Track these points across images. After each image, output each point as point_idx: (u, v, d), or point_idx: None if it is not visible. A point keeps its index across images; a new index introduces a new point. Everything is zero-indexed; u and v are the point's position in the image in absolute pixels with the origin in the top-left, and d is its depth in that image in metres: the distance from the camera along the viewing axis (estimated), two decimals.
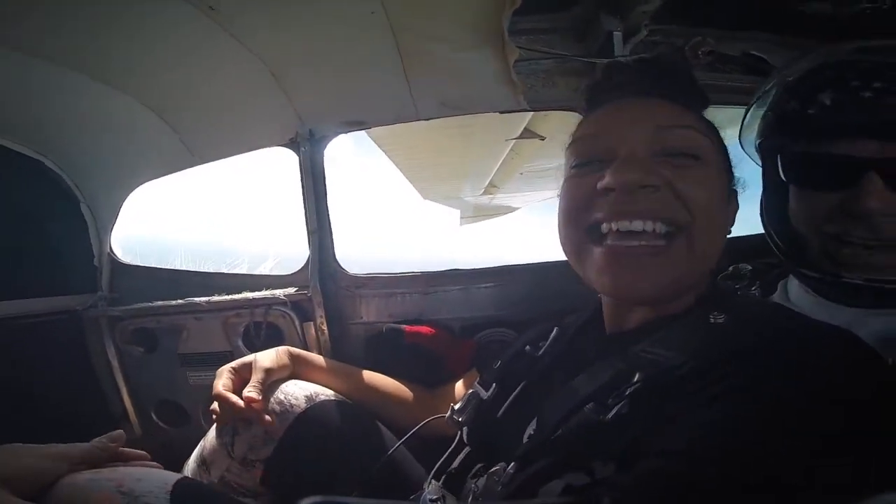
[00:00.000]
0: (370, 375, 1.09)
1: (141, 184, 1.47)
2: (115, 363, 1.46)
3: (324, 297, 1.31)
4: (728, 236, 0.68)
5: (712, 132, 0.67)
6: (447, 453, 0.80)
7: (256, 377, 0.93)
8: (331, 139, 1.34)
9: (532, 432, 0.62)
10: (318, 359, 1.09)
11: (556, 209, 0.70)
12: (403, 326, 1.28)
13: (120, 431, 0.80)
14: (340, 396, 1.01)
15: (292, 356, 1.03)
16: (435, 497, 0.71)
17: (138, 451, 0.82)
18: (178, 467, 0.98)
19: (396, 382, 1.10)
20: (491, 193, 5.15)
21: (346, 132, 1.35)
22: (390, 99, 1.22)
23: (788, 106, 0.74)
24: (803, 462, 0.40)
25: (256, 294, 1.36)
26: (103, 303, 1.47)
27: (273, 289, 1.37)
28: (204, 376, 1.40)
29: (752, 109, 0.84)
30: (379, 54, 1.06)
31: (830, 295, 0.74)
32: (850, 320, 0.65)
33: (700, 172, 0.62)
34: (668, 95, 0.66)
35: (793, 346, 0.49)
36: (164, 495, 0.70)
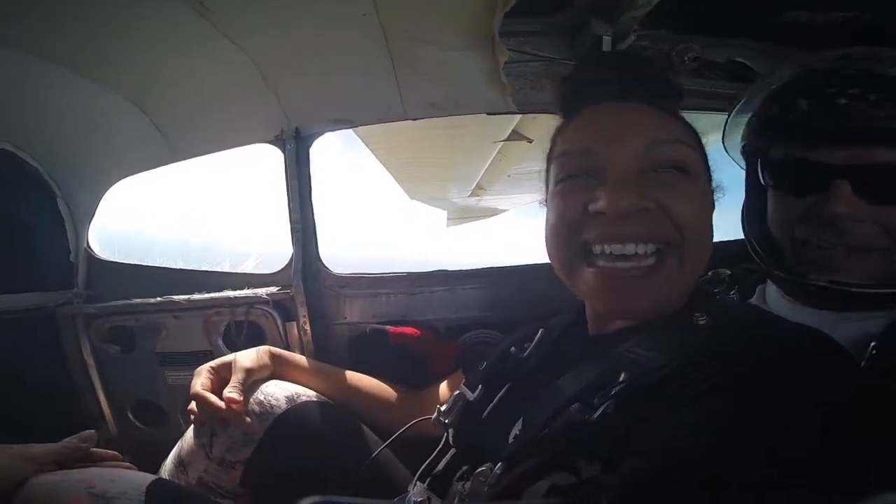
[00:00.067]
0: (353, 376, 1.08)
1: (120, 179, 1.44)
2: (90, 361, 1.42)
3: (307, 297, 1.30)
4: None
5: (698, 143, 0.67)
6: (433, 455, 0.80)
7: (237, 377, 0.92)
8: (317, 137, 1.32)
9: (518, 433, 0.62)
10: (300, 359, 1.08)
11: (543, 215, 0.69)
12: (388, 327, 1.27)
13: (91, 431, 0.78)
14: (322, 397, 1.00)
15: (273, 356, 1.02)
16: (420, 499, 0.70)
17: (110, 452, 0.80)
18: (154, 468, 0.97)
19: (380, 383, 1.09)
20: (478, 195, 5.17)
21: (332, 130, 1.33)
22: (379, 98, 1.21)
23: (769, 111, 0.76)
24: (781, 461, 0.41)
25: (238, 293, 1.33)
26: (79, 300, 1.43)
27: (255, 287, 1.35)
28: (183, 376, 1.37)
29: (733, 115, 0.85)
30: (369, 54, 1.06)
31: (801, 297, 0.76)
32: (823, 324, 0.66)
33: (688, 187, 0.62)
34: (647, 98, 0.66)
35: (771, 347, 0.50)
36: (139, 497, 0.68)
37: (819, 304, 0.74)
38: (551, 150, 0.71)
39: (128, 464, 0.81)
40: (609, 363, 0.56)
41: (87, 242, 1.47)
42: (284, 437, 0.91)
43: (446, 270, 1.34)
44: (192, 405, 0.91)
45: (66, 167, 1.41)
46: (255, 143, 1.34)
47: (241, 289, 1.35)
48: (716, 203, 0.69)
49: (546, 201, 0.70)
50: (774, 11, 0.98)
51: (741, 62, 1.08)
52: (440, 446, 0.81)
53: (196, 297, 1.35)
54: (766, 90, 0.78)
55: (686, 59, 1.06)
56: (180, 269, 1.48)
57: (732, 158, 0.88)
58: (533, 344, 0.80)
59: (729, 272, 0.94)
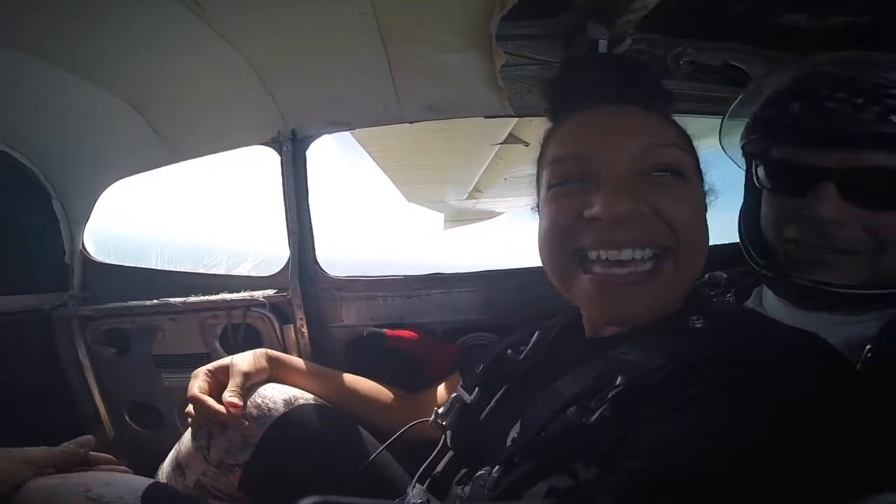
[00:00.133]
0: (350, 379, 1.08)
1: (117, 180, 1.44)
2: (86, 364, 1.42)
3: (304, 300, 1.30)
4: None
5: (690, 145, 0.67)
6: (431, 457, 0.80)
7: (235, 381, 0.92)
8: (314, 139, 1.32)
9: (515, 436, 0.62)
10: (297, 361, 1.07)
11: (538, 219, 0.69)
12: (384, 330, 1.27)
13: (89, 437, 0.78)
14: (320, 400, 1.00)
15: (270, 359, 1.02)
16: (419, 501, 0.70)
17: (106, 456, 0.80)
18: (152, 470, 0.96)
19: (377, 386, 1.09)
20: (475, 198, 5.17)
21: (329, 132, 1.34)
22: (376, 101, 1.21)
23: (763, 113, 0.76)
24: (777, 464, 0.41)
25: (234, 295, 1.33)
26: (74, 302, 1.43)
27: (252, 290, 1.34)
28: (179, 378, 1.37)
29: (728, 116, 0.86)
30: (366, 56, 1.06)
31: (788, 297, 0.77)
32: (818, 327, 0.66)
33: (683, 190, 0.62)
34: (640, 101, 0.66)
35: (766, 351, 0.50)
36: (135, 500, 0.68)
37: (805, 304, 0.75)
38: (542, 154, 0.70)
39: (124, 468, 0.81)
40: (605, 366, 0.56)
41: (83, 244, 1.47)
42: (282, 440, 0.91)
43: (443, 273, 1.34)
44: (190, 408, 0.91)
45: (62, 168, 1.40)
46: (251, 144, 1.34)
47: (238, 291, 1.35)
48: (709, 206, 0.69)
49: (538, 206, 0.70)
50: (772, 15, 0.98)
51: (736, 66, 1.09)
52: (438, 448, 0.81)
53: (192, 299, 1.35)
54: (761, 92, 0.79)
55: (681, 62, 1.07)
56: (176, 272, 1.48)
57: (731, 159, 0.89)
58: (529, 346, 0.80)
59: (725, 275, 0.95)
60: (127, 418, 1.47)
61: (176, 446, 0.96)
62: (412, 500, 0.71)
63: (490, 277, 1.32)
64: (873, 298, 0.69)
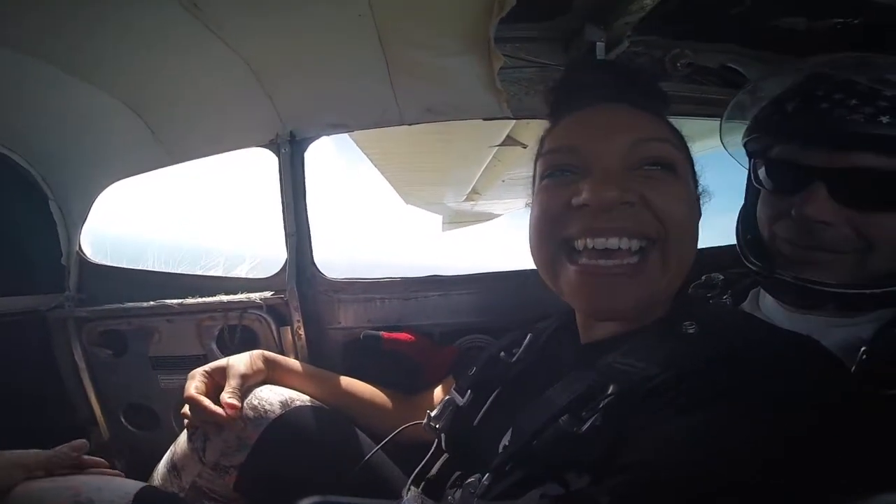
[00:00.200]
0: (347, 381, 1.08)
1: (114, 182, 1.44)
2: (82, 365, 1.41)
3: (301, 302, 1.30)
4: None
5: (683, 144, 0.68)
6: (425, 459, 0.80)
7: (233, 383, 0.91)
8: (312, 141, 1.32)
9: (507, 443, 0.62)
10: (294, 363, 1.07)
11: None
12: (381, 333, 1.27)
13: (83, 440, 0.77)
14: (316, 402, 1.00)
15: (267, 360, 1.02)
16: None
17: (98, 459, 0.79)
18: (147, 471, 0.96)
19: (374, 388, 1.08)
20: (473, 200, 5.17)
21: (328, 134, 1.34)
22: (374, 103, 1.22)
23: (765, 113, 0.77)
24: (773, 467, 0.41)
25: (232, 297, 1.33)
26: (70, 303, 1.42)
27: (249, 292, 1.34)
28: (176, 380, 1.37)
29: (726, 115, 0.87)
30: (364, 58, 1.06)
31: (776, 294, 0.78)
32: (813, 329, 0.67)
33: (673, 185, 0.62)
34: (635, 102, 0.66)
35: (760, 356, 0.50)
36: None
37: (797, 303, 0.76)
38: (539, 149, 0.71)
39: (116, 471, 0.80)
40: (597, 374, 0.56)
41: (80, 245, 1.46)
42: (278, 442, 0.90)
43: (441, 275, 1.34)
44: (186, 409, 0.91)
45: (60, 169, 1.40)
46: (249, 146, 1.34)
47: (235, 293, 1.34)
48: (703, 207, 0.70)
49: (531, 200, 0.70)
50: (770, 18, 0.99)
51: (734, 68, 1.09)
52: (432, 451, 0.81)
53: (189, 301, 1.35)
54: (760, 93, 0.80)
55: (679, 65, 1.07)
56: (173, 274, 1.48)
57: (734, 157, 0.89)
58: (521, 349, 0.80)
59: (722, 277, 0.95)
60: (122, 420, 1.46)
61: (171, 448, 0.95)
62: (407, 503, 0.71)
63: (488, 279, 1.33)
64: (864, 298, 0.69)
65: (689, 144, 0.69)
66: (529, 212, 0.69)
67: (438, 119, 1.26)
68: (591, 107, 0.67)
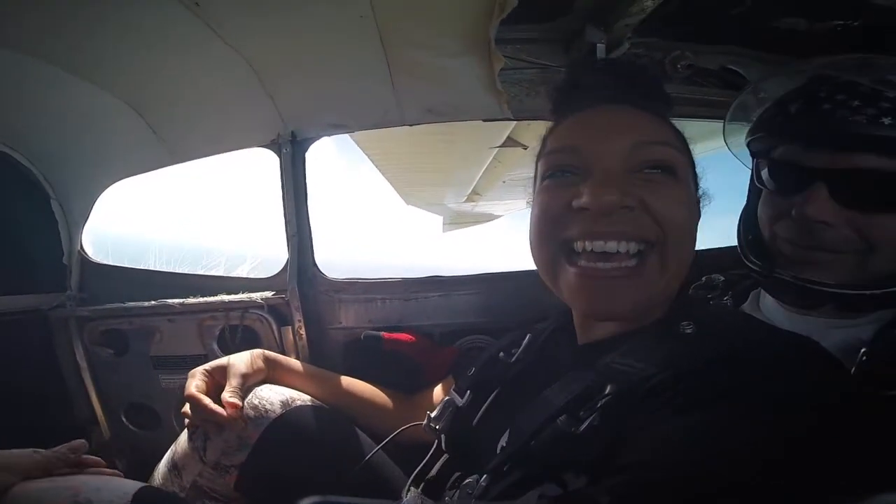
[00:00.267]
0: (348, 381, 1.08)
1: (116, 181, 1.44)
2: (83, 364, 1.42)
3: (302, 302, 1.30)
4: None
5: (685, 146, 0.68)
6: (425, 460, 0.80)
7: (234, 382, 0.91)
8: (313, 141, 1.33)
9: (504, 444, 0.62)
10: (295, 363, 1.07)
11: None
12: (382, 333, 1.27)
13: (82, 441, 0.77)
14: (317, 402, 1.00)
15: (268, 359, 1.02)
16: None
17: (96, 459, 0.79)
18: (148, 471, 0.96)
19: (374, 388, 1.09)
20: (473, 201, 5.17)
21: (329, 135, 1.34)
22: (375, 103, 1.22)
23: (768, 114, 0.77)
24: (772, 468, 0.41)
25: (233, 297, 1.33)
26: (72, 302, 1.43)
27: (250, 292, 1.34)
28: (176, 379, 1.37)
29: (729, 117, 0.87)
30: (366, 59, 1.06)
31: (776, 294, 0.79)
32: (813, 331, 0.67)
33: (673, 189, 0.62)
34: (638, 103, 0.67)
35: (759, 357, 0.50)
36: None
37: (797, 303, 0.76)
38: (541, 149, 0.71)
39: (115, 471, 0.80)
40: (595, 375, 0.56)
41: (81, 245, 1.47)
42: (279, 442, 0.91)
43: (442, 276, 1.34)
44: (186, 408, 0.91)
45: (61, 168, 1.40)
46: (251, 146, 1.35)
47: (237, 293, 1.35)
48: (703, 209, 0.70)
49: (532, 200, 0.70)
50: (770, 19, 0.99)
51: (734, 70, 1.09)
52: (432, 451, 0.81)
53: (191, 300, 1.35)
54: (762, 94, 0.80)
55: (679, 66, 1.07)
56: (175, 273, 1.48)
57: (737, 158, 0.89)
58: (520, 349, 0.80)
59: (723, 278, 0.95)
60: (123, 419, 1.46)
61: (172, 447, 0.95)
62: None
63: (488, 280, 1.33)
64: (864, 299, 0.69)
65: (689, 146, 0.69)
66: (530, 211, 0.69)
67: (439, 120, 1.26)
68: (594, 108, 0.67)
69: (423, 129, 1.32)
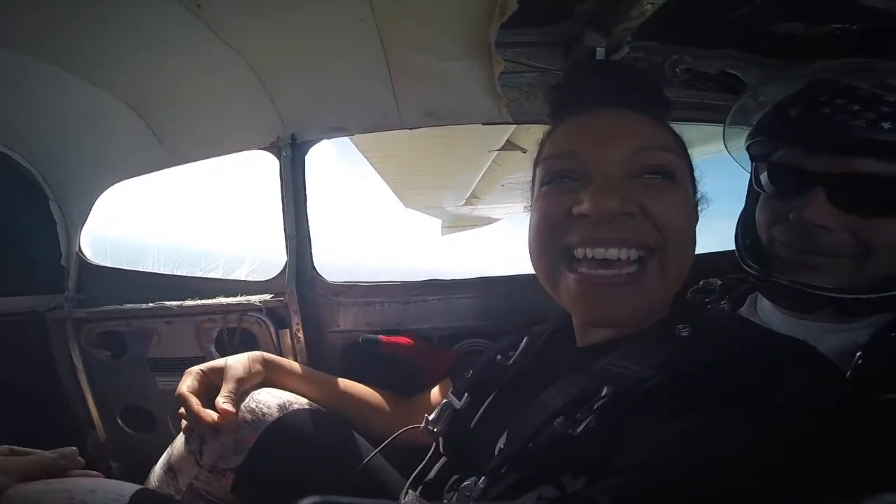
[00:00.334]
0: (346, 384, 1.07)
1: (115, 183, 1.44)
2: (80, 366, 1.41)
3: (300, 304, 1.29)
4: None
5: (683, 151, 0.68)
6: (423, 463, 0.80)
7: (229, 386, 0.91)
8: (313, 144, 1.32)
9: (502, 446, 0.62)
10: (293, 365, 1.07)
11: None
12: (380, 336, 1.27)
13: (73, 448, 0.77)
14: (314, 405, 0.99)
15: (266, 362, 1.01)
16: None
17: (87, 472, 0.78)
18: (144, 473, 0.96)
19: (372, 391, 1.08)
20: (472, 204, 5.18)
21: (328, 138, 1.34)
22: (375, 106, 1.22)
23: (768, 118, 0.77)
24: (768, 471, 0.41)
25: (231, 299, 1.33)
26: (69, 304, 1.42)
27: (248, 294, 1.34)
28: (174, 382, 1.34)
29: (729, 121, 0.87)
30: (366, 62, 1.06)
31: (773, 298, 0.78)
32: (809, 334, 0.67)
33: (672, 194, 0.63)
34: (637, 106, 0.67)
35: (754, 360, 0.51)
36: None
37: (794, 307, 0.76)
38: (539, 154, 0.71)
39: (98, 473, 0.80)
40: (592, 377, 0.56)
41: (79, 246, 1.46)
42: (276, 445, 0.90)
43: (440, 279, 1.34)
44: (182, 410, 0.90)
45: (60, 169, 1.40)
46: (250, 149, 1.35)
47: (235, 295, 1.34)
48: (701, 213, 0.70)
49: (531, 205, 0.70)
50: (770, 23, 0.99)
51: (733, 74, 1.10)
52: (430, 454, 0.81)
53: (188, 303, 1.34)
54: (762, 98, 0.80)
55: (678, 70, 1.08)
56: (173, 275, 1.47)
57: (737, 161, 0.89)
58: (518, 352, 0.80)
59: (720, 282, 0.95)
60: (120, 421, 1.46)
61: (168, 450, 0.94)
62: None
63: (487, 284, 1.32)
64: (861, 303, 0.69)
65: (688, 150, 0.69)
66: (529, 217, 0.69)
67: (439, 123, 1.26)
68: (592, 112, 0.67)
69: (423, 132, 1.32)
